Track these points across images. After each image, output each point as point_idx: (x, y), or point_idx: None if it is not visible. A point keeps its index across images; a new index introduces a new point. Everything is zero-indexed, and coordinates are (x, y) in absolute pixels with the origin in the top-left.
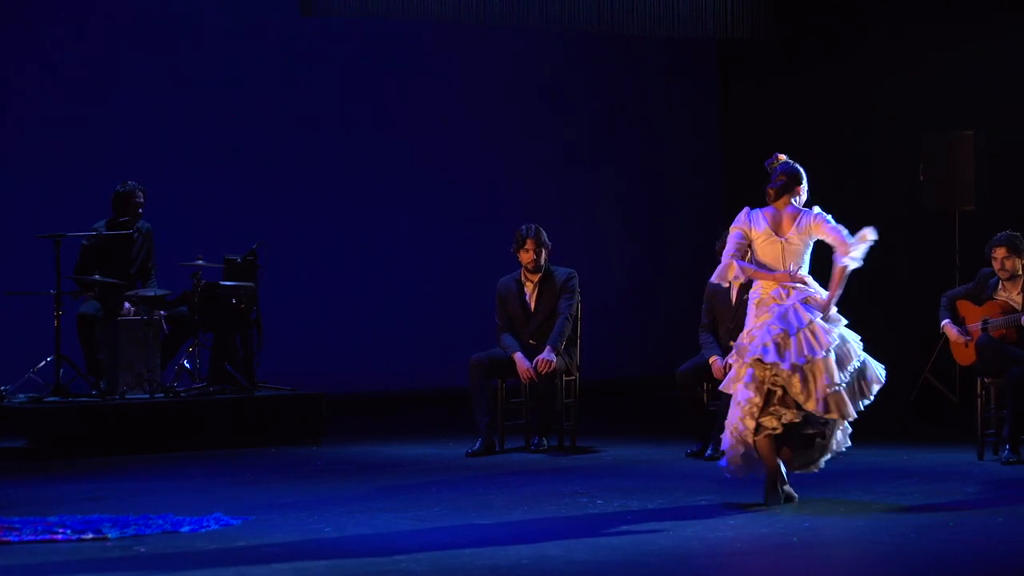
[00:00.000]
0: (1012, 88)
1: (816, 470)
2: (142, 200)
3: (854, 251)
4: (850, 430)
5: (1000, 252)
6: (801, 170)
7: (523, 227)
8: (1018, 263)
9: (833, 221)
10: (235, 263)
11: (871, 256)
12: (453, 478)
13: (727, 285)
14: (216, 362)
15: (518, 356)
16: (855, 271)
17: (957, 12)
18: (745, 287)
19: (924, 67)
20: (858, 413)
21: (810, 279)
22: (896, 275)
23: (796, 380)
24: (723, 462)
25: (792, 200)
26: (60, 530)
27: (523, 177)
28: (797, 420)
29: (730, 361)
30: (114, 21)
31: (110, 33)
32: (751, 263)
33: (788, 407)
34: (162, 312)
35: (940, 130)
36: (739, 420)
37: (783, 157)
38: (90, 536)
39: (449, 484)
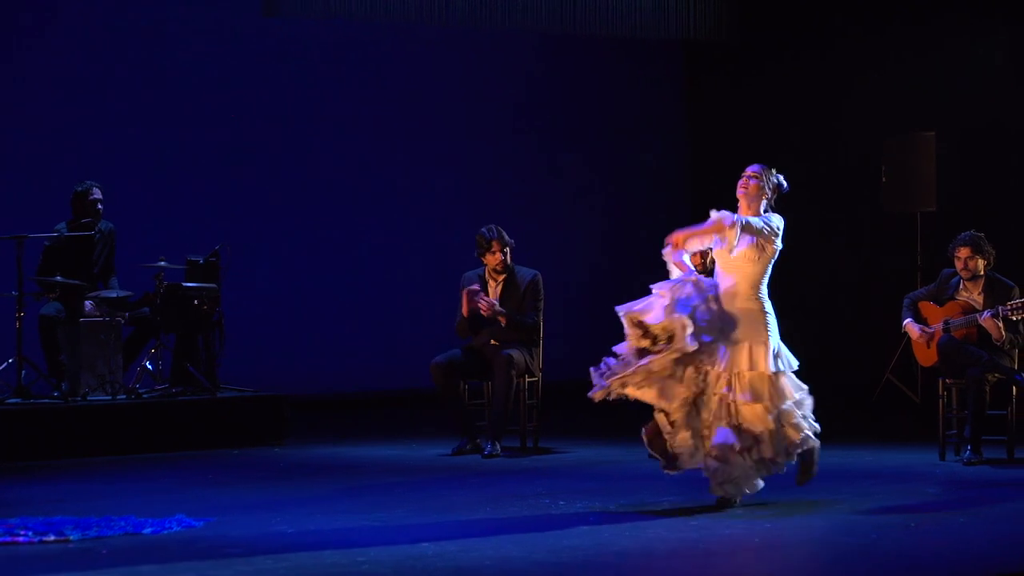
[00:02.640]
0: (973, 90)
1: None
2: (100, 197)
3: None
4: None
5: (964, 252)
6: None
7: (484, 230)
8: (980, 263)
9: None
10: (197, 264)
11: (833, 257)
12: (415, 479)
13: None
14: (178, 363)
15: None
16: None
17: (919, 15)
18: None
19: (886, 70)
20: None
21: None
22: (858, 276)
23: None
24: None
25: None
26: (22, 532)
27: (488, 178)
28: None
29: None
30: (77, 22)
31: (73, 34)
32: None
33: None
34: (124, 314)
35: (901, 132)
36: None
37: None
38: (52, 538)
39: (411, 485)
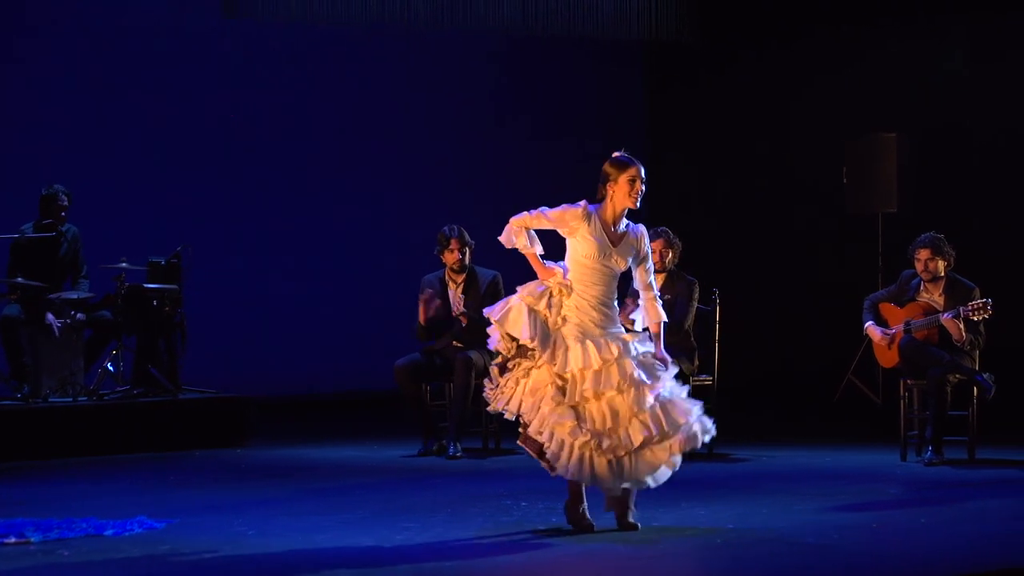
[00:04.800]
0: (934, 91)
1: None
2: (66, 203)
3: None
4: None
5: (924, 254)
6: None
7: (445, 228)
8: (941, 264)
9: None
10: (159, 266)
11: (794, 258)
12: (377, 481)
13: None
14: (140, 365)
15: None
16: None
17: (879, 17)
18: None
19: (847, 70)
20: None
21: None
22: (819, 277)
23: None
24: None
25: None
26: None
27: (448, 179)
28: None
29: None
30: (38, 24)
31: (34, 36)
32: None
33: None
34: (82, 315)
35: (863, 133)
36: None
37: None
38: (13, 540)
39: (373, 487)
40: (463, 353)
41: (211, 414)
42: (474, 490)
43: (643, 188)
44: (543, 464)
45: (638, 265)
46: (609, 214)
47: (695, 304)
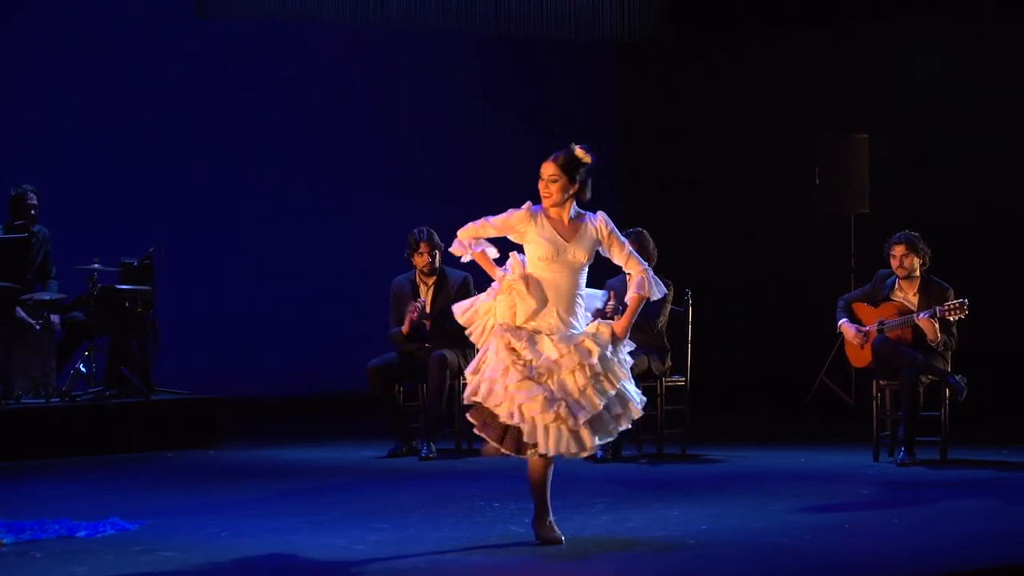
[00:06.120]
0: (907, 92)
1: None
2: (35, 202)
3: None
4: None
5: (899, 250)
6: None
7: (415, 231)
8: (916, 262)
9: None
10: (131, 267)
11: (767, 257)
12: (350, 481)
13: None
14: (112, 366)
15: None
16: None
17: (853, 17)
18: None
19: (821, 71)
20: None
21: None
22: (792, 277)
23: None
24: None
25: None
26: None
27: (421, 180)
28: None
29: None
30: (11, 23)
31: (5, 35)
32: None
33: None
34: (55, 316)
35: (835, 133)
36: None
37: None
38: None
39: (346, 487)
40: (437, 352)
41: (184, 415)
42: (447, 491)
43: (551, 186)
44: (500, 450)
45: (608, 249)
46: (555, 210)
47: (669, 305)
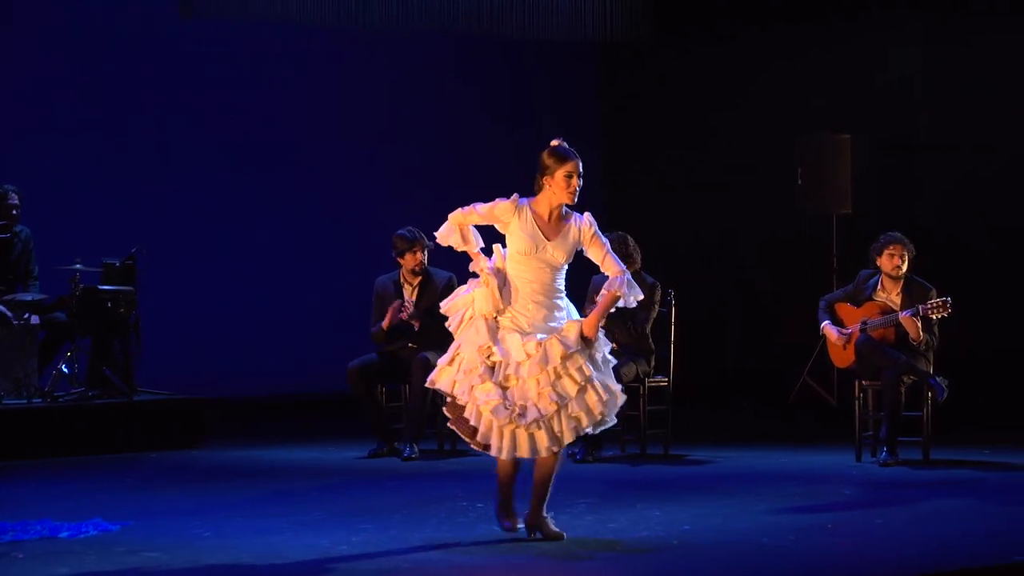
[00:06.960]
0: (889, 92)
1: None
2: (17, 202)
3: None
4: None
5: (896, 249)
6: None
7: (406, 231)
8: (907, 261)
9: None
10: (114, 267)
11: (748, 257)
12: (333, 482)
13: None
14: (95, 367)
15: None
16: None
17: (834, 15)
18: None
19: (802, 70)
20: None
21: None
22: (773, 278)
23: None
24: None
25: None
26: None
27: (404, 180)
28: None
29: None
30: None
31: None
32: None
33: None
34: (36, 317)
35: (817, 133)
36: None
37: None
38: None
39: (329, 488)
40: (421, 354)
41: (166, 416)
42: (430, 491)
43: (580, 183)
44: (473, 445)
45: (588, 249)
46: (544, 207)
47: (656, 308)
